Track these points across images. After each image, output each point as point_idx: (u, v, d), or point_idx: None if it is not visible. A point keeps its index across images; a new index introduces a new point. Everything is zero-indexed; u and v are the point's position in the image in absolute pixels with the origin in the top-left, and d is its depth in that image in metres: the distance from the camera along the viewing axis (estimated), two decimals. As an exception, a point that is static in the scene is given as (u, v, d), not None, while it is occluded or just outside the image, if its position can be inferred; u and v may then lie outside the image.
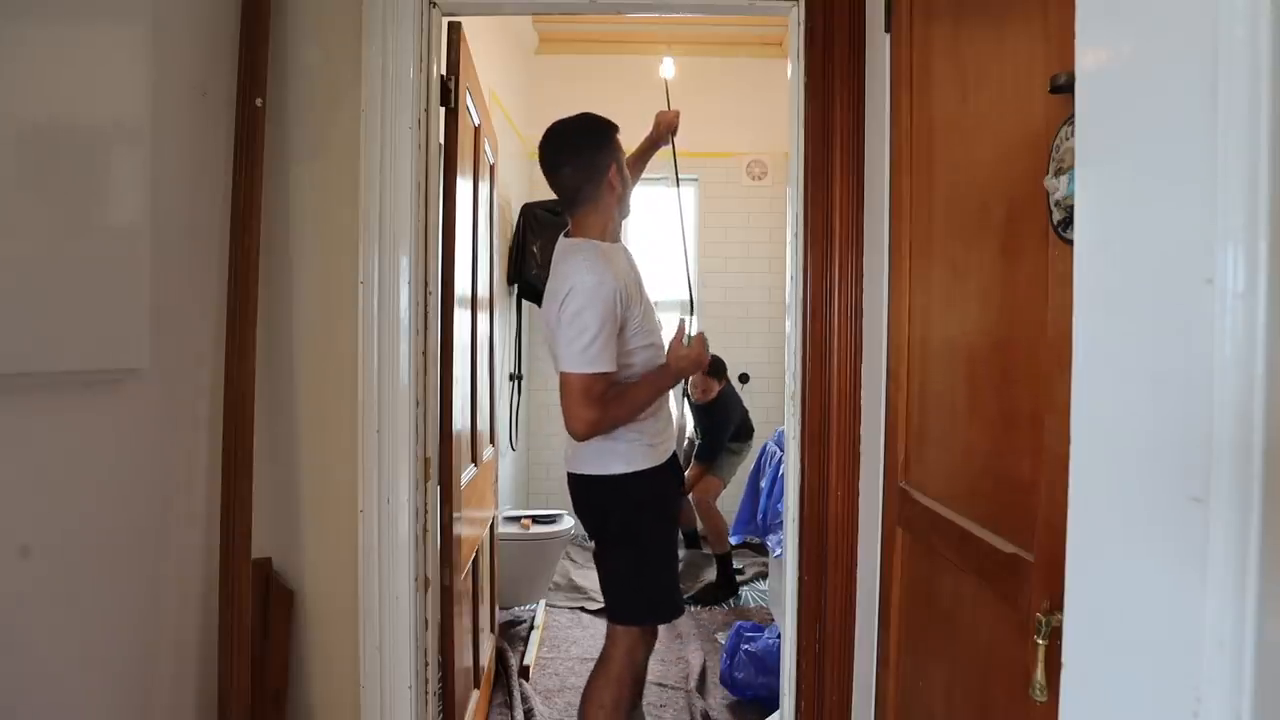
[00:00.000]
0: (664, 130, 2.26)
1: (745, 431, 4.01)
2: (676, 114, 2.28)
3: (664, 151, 2.37)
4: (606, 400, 1.77)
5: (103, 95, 1.24)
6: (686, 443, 4.28)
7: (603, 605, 2.33)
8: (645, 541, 1.96)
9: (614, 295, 1.76)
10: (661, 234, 4.42)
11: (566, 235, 1.94)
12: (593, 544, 2.06)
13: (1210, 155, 0.51)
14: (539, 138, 1.91)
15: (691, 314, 2.00)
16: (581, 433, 1.79)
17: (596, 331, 1.73)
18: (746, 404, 4.12)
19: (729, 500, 3.79)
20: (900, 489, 1.52)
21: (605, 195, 1.88)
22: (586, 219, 1.90)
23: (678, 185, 2.64)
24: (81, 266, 1.20)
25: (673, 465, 2.00)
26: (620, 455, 1.89)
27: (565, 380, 1.76)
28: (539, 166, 1.90)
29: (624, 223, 2.04)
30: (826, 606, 1.87)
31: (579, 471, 1.95)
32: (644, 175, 2.32)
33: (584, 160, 1.84)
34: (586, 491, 1.97)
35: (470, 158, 2.28)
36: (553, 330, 1.81)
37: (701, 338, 1.96)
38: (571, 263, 1.80)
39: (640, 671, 2.05)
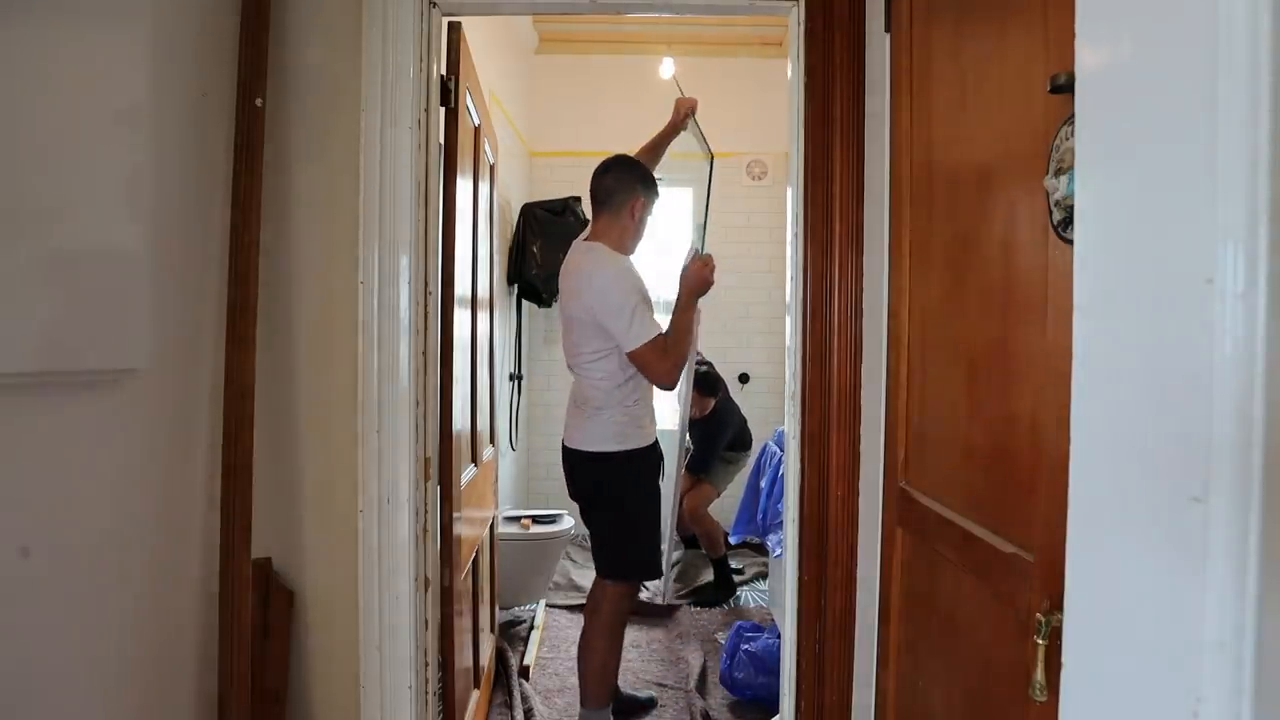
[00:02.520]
0: (684, 113, 2.48)
1: (743, 441, 3.92)
2: (694, 100, 2.49)
3: (679, 151, 2.56)
4: (668, 349, 2.13)
5: (103, 95, 1.24)
6: (685, 449, 4.27)
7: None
8: (635, 510, 2.25)
9: (635, 274, 2.16)
10: (663, 235, 4.43)
11: (585, 240, 2.25)
12: (582, 518, 2.35)
13: (1210, 154, 0.51)
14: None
15: (702, 243, 2.44)
16: (672, 383, 2.15)
17: (634, 306, 2.08)
18: (746, 405, 4.09)
19: (729, 501, 3.78)
20: (900, 489, 1.52)
21: (625, 213, 2.23)
22: (607, 225, 2.24)
23: (710, 158, 2.86)
24: (82, 266, 1.20)
25: (656, 446, 2.31)
26: (613, 436, 2.20)
27: (636, 355, 2.11)
28: (591, 180, 2.27)
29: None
30: (826, 606, 1.87)
31: (578, 448, 2.26)
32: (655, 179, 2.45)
33: (628, 178, 2.24)
34: (581, 464, 2.27)
35: (470, 158, 2.28)
36: (582, 320, 2.14)
37: (706, 259, 2.26)
38: (592, 259, 2.17)
39: (626, 619, 2.38)
